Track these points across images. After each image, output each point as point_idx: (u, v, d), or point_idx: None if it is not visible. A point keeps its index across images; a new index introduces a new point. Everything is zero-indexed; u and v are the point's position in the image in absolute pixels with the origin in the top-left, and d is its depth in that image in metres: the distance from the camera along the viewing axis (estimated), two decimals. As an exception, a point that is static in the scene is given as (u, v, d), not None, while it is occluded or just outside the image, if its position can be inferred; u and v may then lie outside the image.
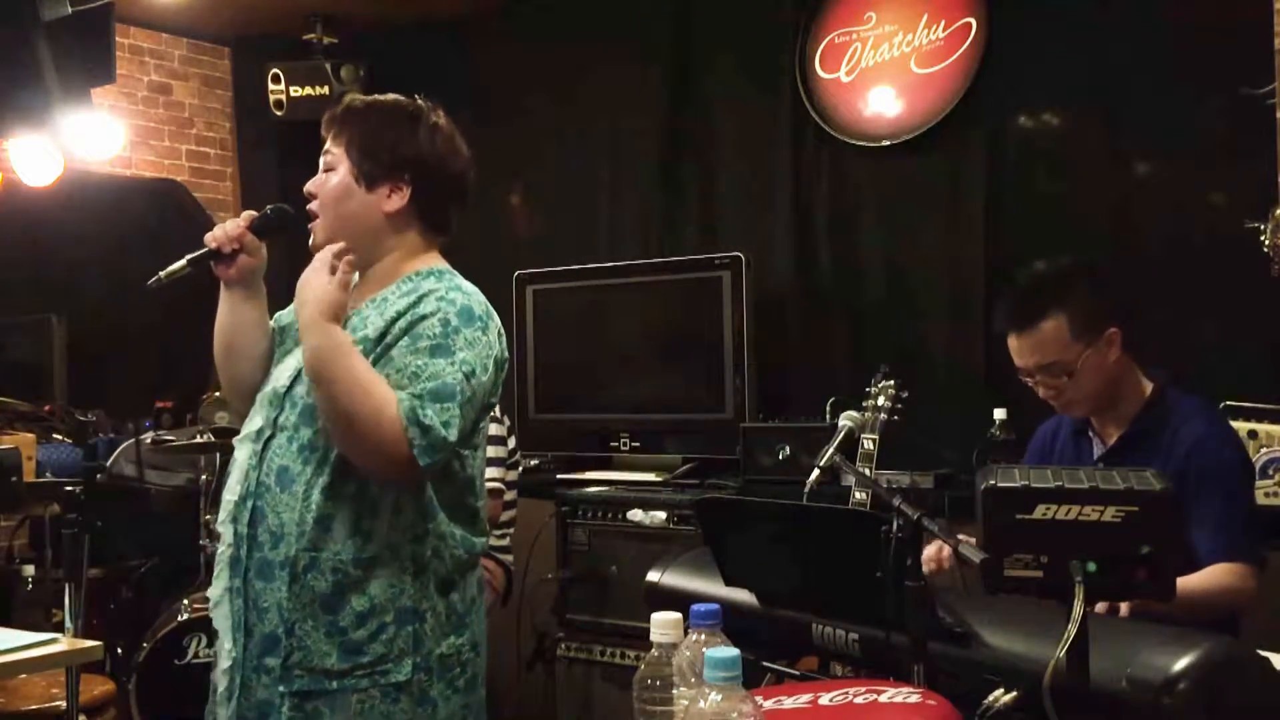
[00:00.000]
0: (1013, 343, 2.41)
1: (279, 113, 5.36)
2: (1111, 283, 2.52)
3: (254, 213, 2.09)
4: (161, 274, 2.02)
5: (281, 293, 2.15)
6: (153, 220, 5.39)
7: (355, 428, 1.87)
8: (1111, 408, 2.42)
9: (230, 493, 2.03)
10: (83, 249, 4.98)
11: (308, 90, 5.33)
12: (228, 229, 2.06)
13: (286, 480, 1.96)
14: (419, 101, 2.11)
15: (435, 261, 2.10)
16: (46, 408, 4.42)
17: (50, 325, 4.89)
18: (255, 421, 2.03)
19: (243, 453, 2.03)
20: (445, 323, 1.94)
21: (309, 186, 2.08)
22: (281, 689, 1.92)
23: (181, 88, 5.75)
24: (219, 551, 2.04)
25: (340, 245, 1.99)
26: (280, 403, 2.01)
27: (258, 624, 1.96)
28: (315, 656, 1.92)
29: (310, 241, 2.08)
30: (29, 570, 4.23)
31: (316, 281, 1.93)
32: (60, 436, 4.35)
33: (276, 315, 2.20)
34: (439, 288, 2.00)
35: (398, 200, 2.04)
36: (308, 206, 2.08)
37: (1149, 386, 2.41)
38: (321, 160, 2.09)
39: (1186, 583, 2.19)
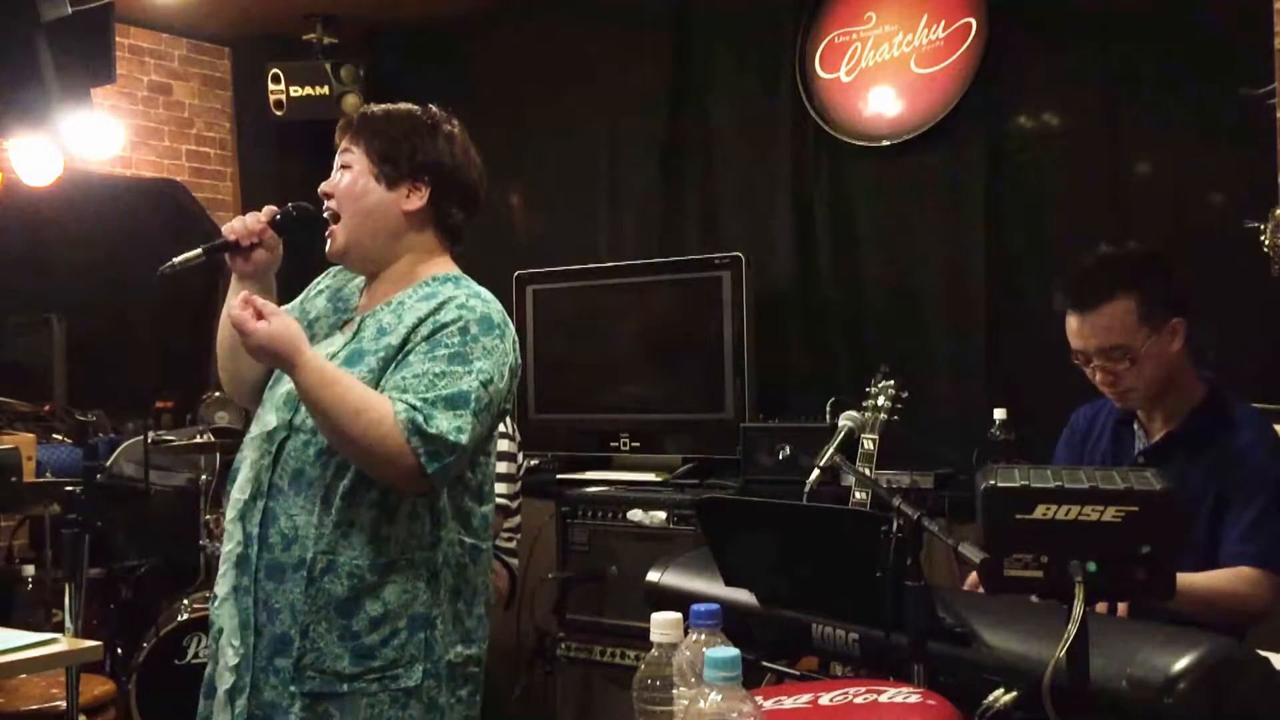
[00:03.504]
0: (1074, 323, 2.32)
1: (279, 113, 5.36)
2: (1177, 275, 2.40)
3: (275, 208, 2.09)
4: (175, 260, 2.02)
5: (294, 289, 2.21)
6: (153, 220, 5.40)
7: (359, 448, 1.89)
8: (1161, 401, 2.36)
9: (240, 491, 2.01)
10: (83, 249, 4.98)
11: (308, 90, 5.33)
12: (248, 223, 2.06)
13: (302, 484, 1.96)
14: (435, 110, 2.13)
15: (450, 267, 2.12)
16: (46, 408, 4.43)
17: (50, 325, 4.89)
18: (268, 421, 2.02)
19: (254, 452, 2.02)
20: (464, 330, 1.96)
21: (325, 187, 2.08)
22: (293, 689, 1.93)
23: (181, 88, 5.75)
24: (226, 549, 2.03)
25: (244, 295, 1.97)
26: (296, 404, 1.99)
27: (268, 624, 1.96)
28: (328, 659, 1.93)
29: (328, 246, 2.09)
30: (29, 570, 4.23)
31: (254, 333, 1.89)
32: (60, 436, 4.36)
33: (295, 306, 2.20)
34: (458, 294, 2.02)
35: (417, 200, 2.06)
36: (325, 206, 2.08)
37: (1201, 386, 2.37)
38: (337, 161, 2.09)
39: (1200, 579, 2.19)
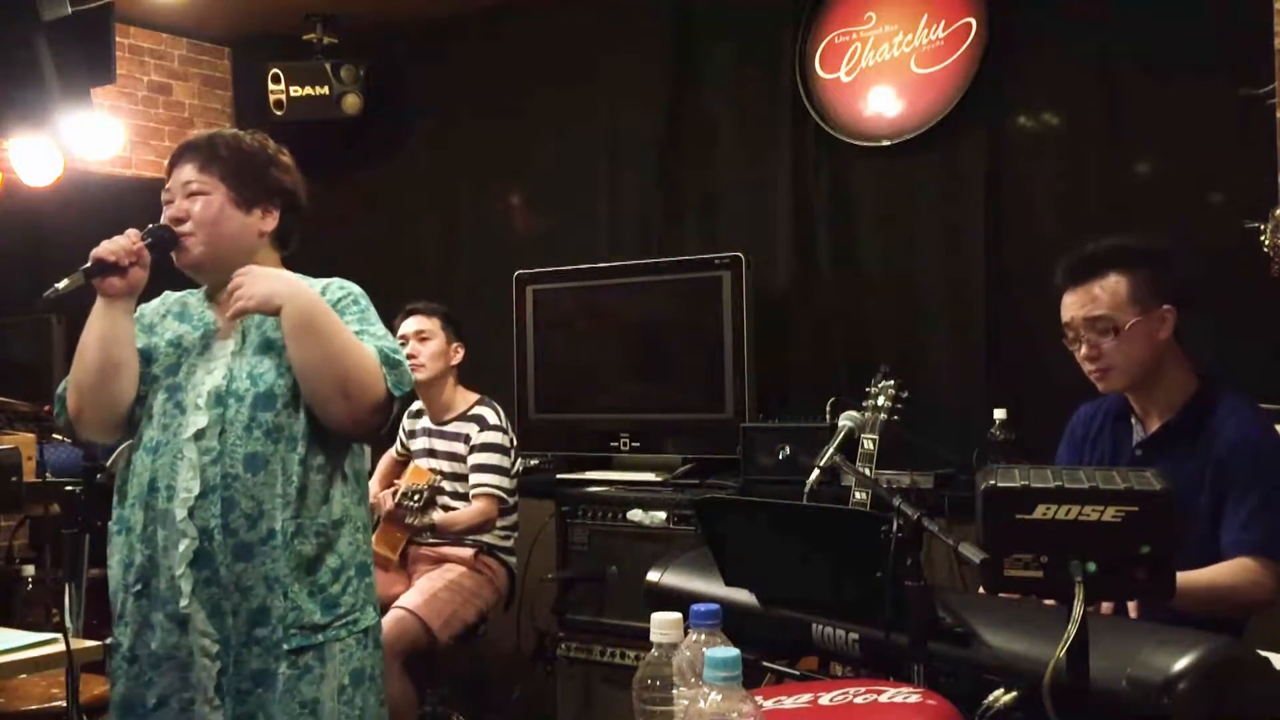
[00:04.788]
0: (1067, 298, 2.38)
1: (279, 113, 5.36)
2: (1178, 267, 2.44)
3: (136, 230, 2.21)
4: (58, 286, 2.12)
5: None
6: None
7: (350, 366, 2.10)
8: (1150, 392, 2.39)
9: (185, 491, 2.10)
10: (83, 249, 4.96)
11: (308, 90, 5.33)
12: (122, 244, 2.17)
13: (259, 463, 2.12)
14: (268, 139, 2.36)
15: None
16: (46, 408, 4.42)
17: (50, 325, 4.89)
18: (196, 422, 2.14)
19: (190, 452, 2.12)
20: (355, 302, 2.25)
21: (175, 213, 2.25)
22: (285, 647, 2.10)
23: (181, 88, 5.76)
24: (179, 550, 2.10)
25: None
26: (224, 400, 2.14)
27: (243, 602, 2.10)
28: (305, 614, 2.13)
29: (180, 259, 2.25)
30: (29, 570, 4.23)
31: (264, 272, 2.13)
32: (60, 436, 4.35)
33: (137, 329, 2.28)
34: (329, 281, 2.29)
35: (271, 222, 2.29)
36: (178, 229, 2.23)
37: (1195, 379, 2.38)
38: (181, 188, 2.25)
39: (1202, 575, 2.19)
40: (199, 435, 2.13)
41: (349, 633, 2.18)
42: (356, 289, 2.28)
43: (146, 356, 2.25)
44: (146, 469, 2.16)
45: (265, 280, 2.12)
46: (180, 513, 2.10)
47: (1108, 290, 2.33)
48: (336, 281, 2.30)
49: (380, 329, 2.23)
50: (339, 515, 2.20)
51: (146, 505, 2.15)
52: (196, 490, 2.10)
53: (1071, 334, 2.38)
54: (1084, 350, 2.37)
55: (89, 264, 2.15)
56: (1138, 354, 2.33)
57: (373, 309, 2.27)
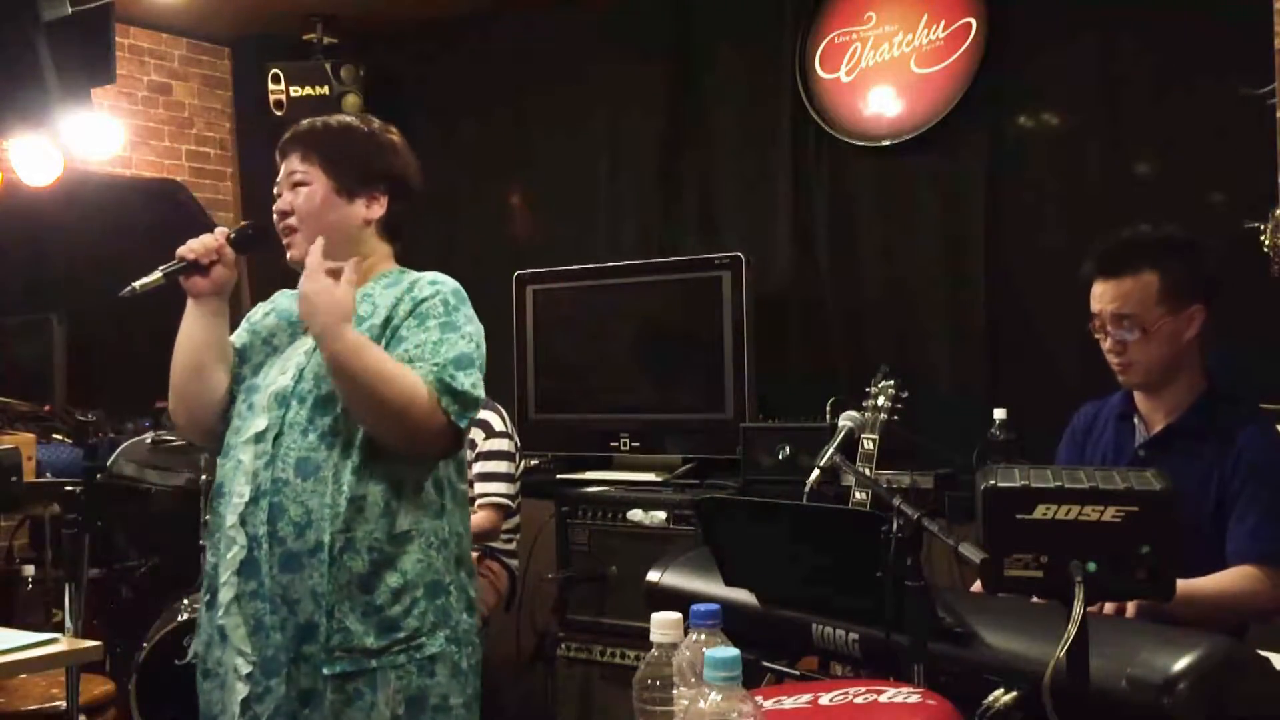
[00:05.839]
0: (1097, 288, 2.37)
1: (279, 113, 5.35)
2: (1209, 264, 2.44)
3: (225, 229, 2.16)
4: (135, 285, 2.06)
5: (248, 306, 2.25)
6: (153, 220, 5.39)
7: (389, 415, 1.96)
8: (1161, 391, 2.38)
9: (237, 496, 2.03)
10: (83, 249, 4.97)
11: (308, 90, 5.33)
12: (206, 241, 2.11)
13: (309, 469, 2.00)
14: (374, 121, 2.25)
15: (395, 264, 2.24)
16: (46, 408, 4.43)
17: (50, 325, 4.89)
18: (259, 423, 2.05)
19: (245, 455, 2.04)
20: (445, 302, 2.08)
21: (281, 205, 2.15)
22: (325, 671, 1.96)
23: (181, 88, 5.76)
24: (228, 557, 2.02)
25: (324, 261, 2.02)
26: (287, 401, 2.04)
27: (290, 617, 1.98)
28: (354, 637, 1.97)
29: (288, 255, 2.16)
30: (29, 570, 4.23)
31: (325, 291, 1.98)
32: (60, 436, 4.36)
33: (243, 329, 2.25)
34: (422, 276, 2.15)
35: (378, 210, 2.17)
36: (284, 223, 2.15)
37: (1204, 381, 2.38)
38: (287, 179, 2.15)
39: (1207, 583, 2.18)
40: (258, 438, 2.03)
41: (409, 659, 1.99)
42: (449, 286, 2.13)
43: (243, 355, 2.19)
44: (220, 473, 2.10)
45: (318, 305, 1.98)
46: (230, 518, 2.02)
47: (1139, 287, 2.31)
48: (429, 276, 2.15)
49: (462, 335, 2.06)
50: (405, 528, 2.02)
51: (214, 512, 2.09)
52: (247, 495, 2.01)
53: (1099, 324, 2.38)
54: (1109, 344, 2.36)
55: (171, 262, 2.09)
56: (1162, 353, 2.33)
57: (465, 307, 2.11)
